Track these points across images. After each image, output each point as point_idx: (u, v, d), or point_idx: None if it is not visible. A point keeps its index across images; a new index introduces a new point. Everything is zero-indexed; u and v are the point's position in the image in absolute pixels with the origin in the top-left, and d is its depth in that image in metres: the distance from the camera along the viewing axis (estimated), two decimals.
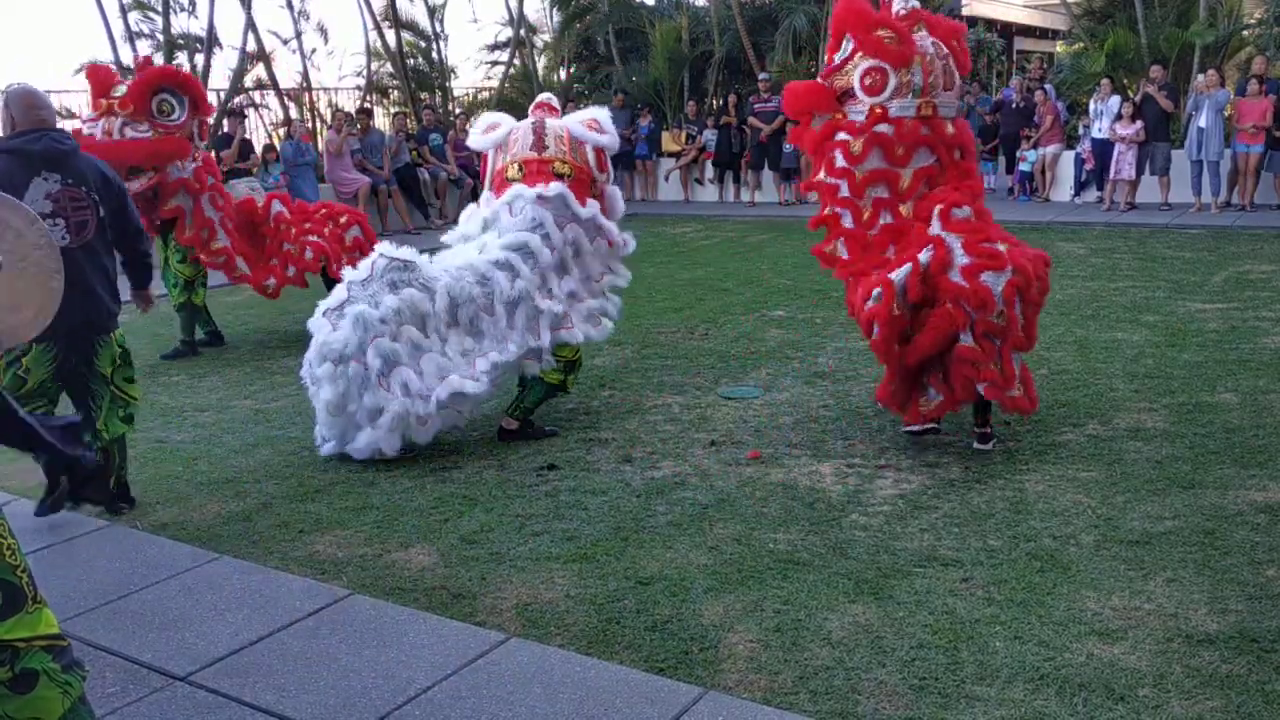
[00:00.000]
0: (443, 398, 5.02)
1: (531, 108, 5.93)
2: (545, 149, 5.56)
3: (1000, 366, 4.78)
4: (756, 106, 16.10)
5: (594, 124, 5.70)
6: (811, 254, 5.50)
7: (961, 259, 4.76)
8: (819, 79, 5.34)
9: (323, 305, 5.22)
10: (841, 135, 5.14)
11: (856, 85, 5.09)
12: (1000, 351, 4.79)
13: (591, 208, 5.56)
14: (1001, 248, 4.80)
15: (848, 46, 5.16)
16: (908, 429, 5.17)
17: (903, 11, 5.16)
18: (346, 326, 5.00)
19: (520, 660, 3.23)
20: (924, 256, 4.76)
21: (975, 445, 5.07)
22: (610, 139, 5.75)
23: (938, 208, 4.96)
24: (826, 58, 5.44)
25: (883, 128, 5.03)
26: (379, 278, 5.11)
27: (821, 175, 5.29)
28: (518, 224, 5.41)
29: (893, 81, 4.99)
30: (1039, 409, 5.18)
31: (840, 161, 5.14)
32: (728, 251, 11.95)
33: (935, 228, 4.90)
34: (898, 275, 4.74)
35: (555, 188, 5.47)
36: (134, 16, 15.06)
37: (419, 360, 5.06)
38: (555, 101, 6.12)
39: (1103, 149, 13.93)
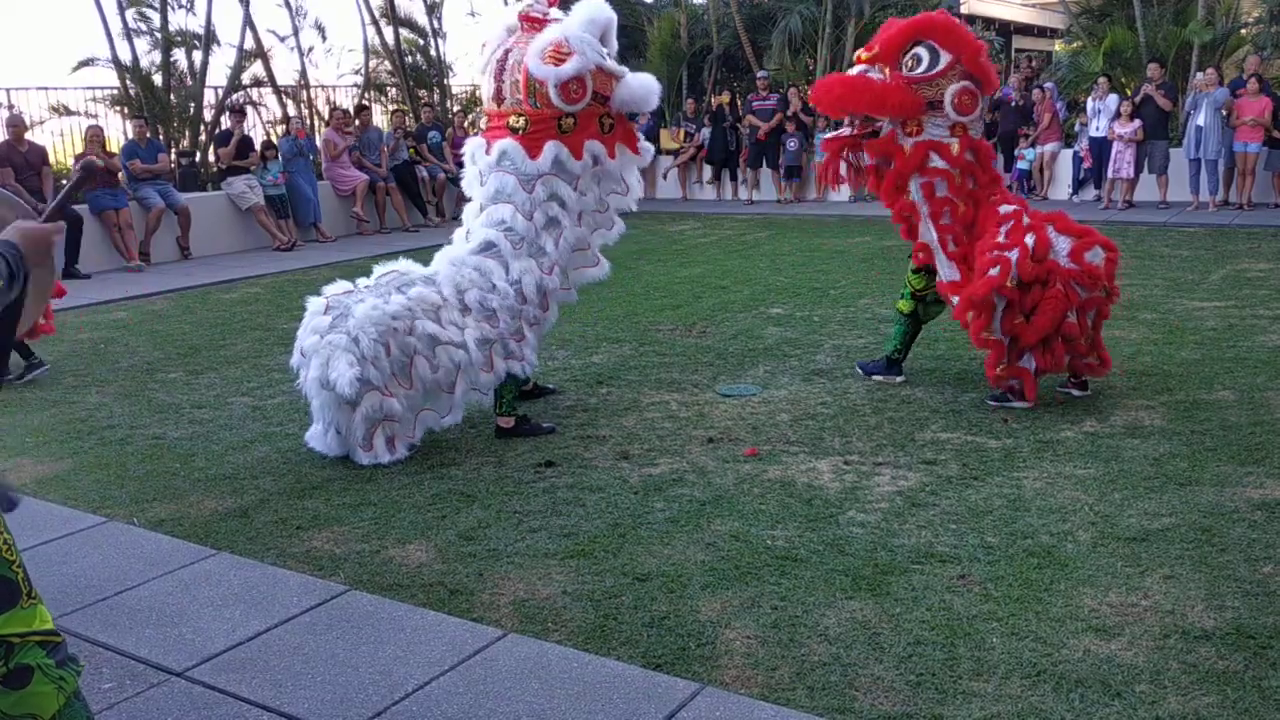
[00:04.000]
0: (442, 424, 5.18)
1: (519, 20, 5.28)
2: (503, 99, 5.27)
3: (1090, 338, 5.43)
4: (755, 104, 16.09)
5: (556, 52, 5.03)
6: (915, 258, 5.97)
7: (1063, 242, 5.32)
8: (903, 83, 5.46)
9: (328, 290, 5.21)
10: (936, 154, 5.54)
11: (949, 102, 5.43)
12: (1094, 323, 5.44)
13: (548, 153, 5.14)
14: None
15: (939, 59, 5.41)
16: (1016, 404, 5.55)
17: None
18: (353, 320, 4.91)
19: (517, 656, 3.22)
20: (1029, 240, 5.25)
21: (1074, 393, 5.70)
22: (573, 66, 5.02)
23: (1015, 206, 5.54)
24: (859, 58, 5.69)
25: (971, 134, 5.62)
26: (383, 285, 5.13)
27: (917, 199, 5.66)
28: (487, 194, 5.32)
29: (981, 106, 5.55)
30: (1036, 397, 5.45)
31: (939, 162, 5.55)
32: (726, 249, 11.95)
33: (1027, 218, 5.43)
34: (1012, 255, 5.22)
35: (499, 147, 5.24)
36: (131, 14, 15.03)
37: (434, 351, 5.05)
38: (540, 8, 5.31)
39: (1100, 147, 13.94)
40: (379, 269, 5.29)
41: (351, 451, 5.07)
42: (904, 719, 2.85)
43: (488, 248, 5.27)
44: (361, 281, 5.23)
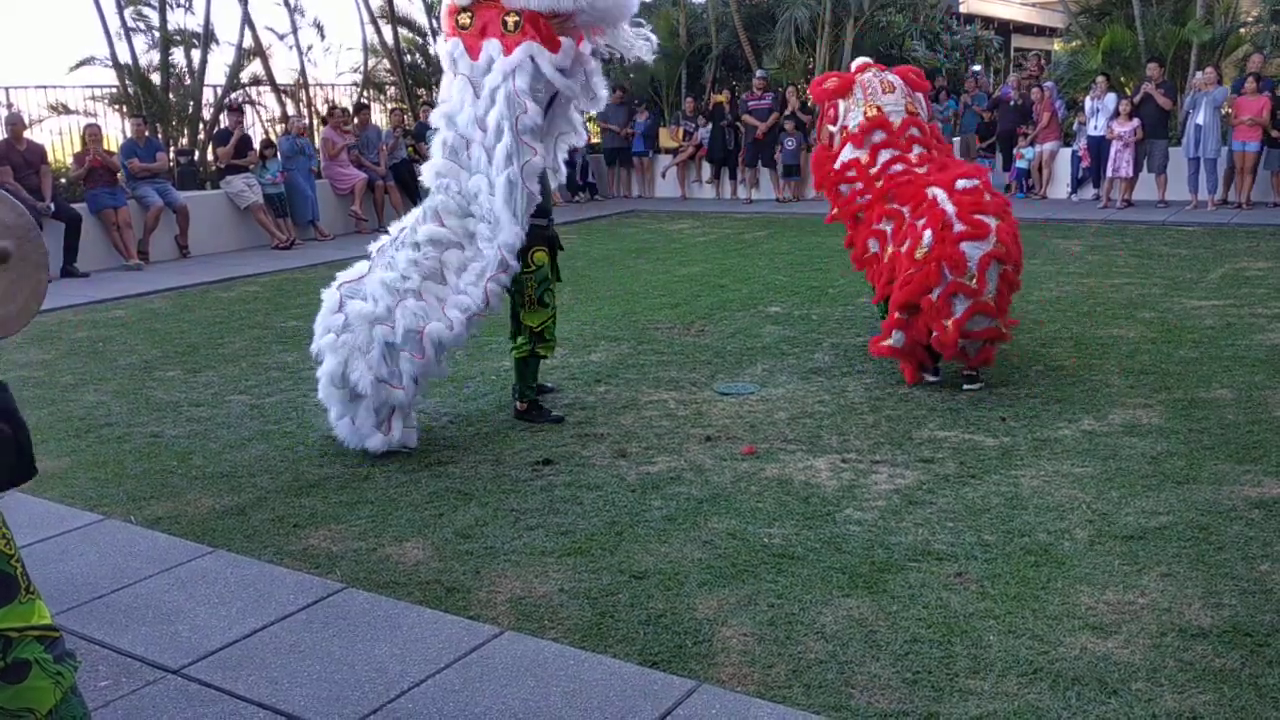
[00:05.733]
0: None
1: None
2: None
3: (951, 323, 5.63)
4: (751, 104, 16.08)
5: None
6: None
7: (957, 226, 5.62)
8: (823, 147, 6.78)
9: (341, 277, 5.29)
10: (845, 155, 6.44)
11: (827, 126, 6.69)
12: (965, 311, 5.63)
13: (487, 51, 4.95)
14: (991, 222, 5.64)
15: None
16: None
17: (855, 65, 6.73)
18: (376, 291, 5.05)
19: (514, 653, 3.22)
20: (927, 236, 5.66)
21: (964, 386, 5.89)
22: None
23: (938, 190, 5.85)
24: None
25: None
26: (390, 247, 5.22)
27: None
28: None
29: (842, 106, 6.46)
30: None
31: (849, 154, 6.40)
32: (724, 248, 11.95)
33: (943, 201, 5.74)
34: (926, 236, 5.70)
35: (443, 47, 5.17)
36: (129, 13, 15.01)
37: (445, 309, 5.10)
38: None
39: (1098, 146, 13.94)
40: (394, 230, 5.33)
41: (366, 439, 5.11)
42: (900, 716, 2.85)
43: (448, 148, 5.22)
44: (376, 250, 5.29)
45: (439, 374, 5.30)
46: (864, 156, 6.28)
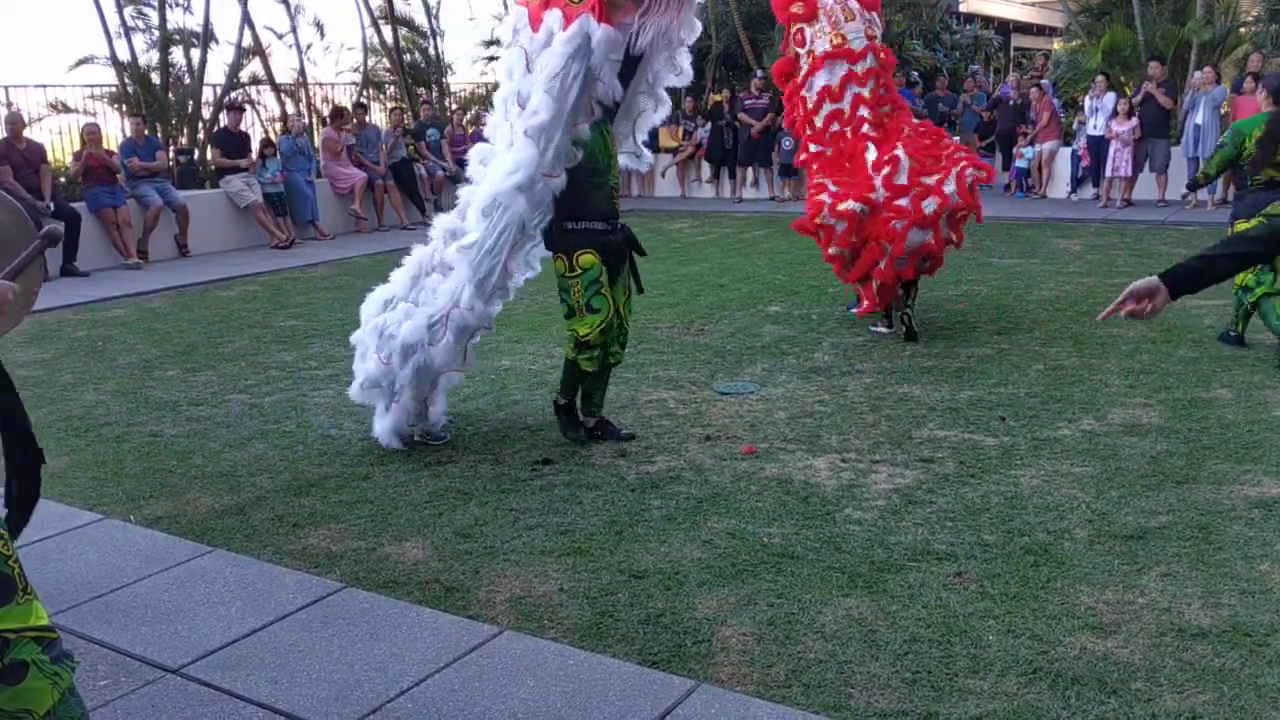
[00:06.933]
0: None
1: None
2: None
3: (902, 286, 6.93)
4: (748, 103, 16.08)
5: None
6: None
7: (884, 212, 6.61)
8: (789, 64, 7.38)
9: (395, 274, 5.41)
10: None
11: (794, 47, 7.18)
12: (902, 275, 6.80)
13: (547, 23, 4.68)
14: (929, 209, 6.56)
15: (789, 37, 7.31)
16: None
17: None
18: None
19: (513, 653, 3.22)
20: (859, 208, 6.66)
21: (881, 329, 7.23)
22: None
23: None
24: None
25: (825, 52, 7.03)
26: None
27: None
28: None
29: (809, 32, 7.04)
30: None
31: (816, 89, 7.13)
32: (724, 248, 11.95)
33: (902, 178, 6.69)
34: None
35: (509, 17, 5.08)
36: (129, 12, 15.02)
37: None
38: None
39: (1098, 146, 13.94)
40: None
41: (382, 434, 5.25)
42: (899, 716, 2.85)
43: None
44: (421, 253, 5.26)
45: (420, 384, 5.08)
46: (834, 83, 6.95)
